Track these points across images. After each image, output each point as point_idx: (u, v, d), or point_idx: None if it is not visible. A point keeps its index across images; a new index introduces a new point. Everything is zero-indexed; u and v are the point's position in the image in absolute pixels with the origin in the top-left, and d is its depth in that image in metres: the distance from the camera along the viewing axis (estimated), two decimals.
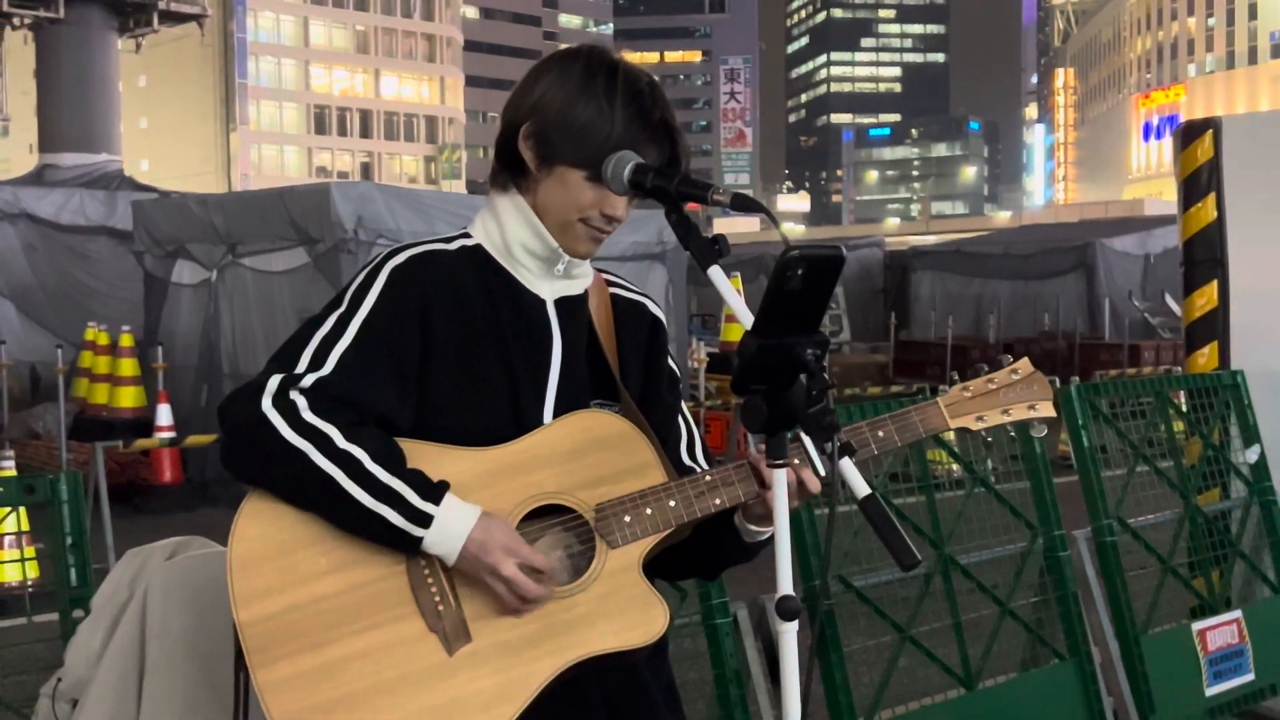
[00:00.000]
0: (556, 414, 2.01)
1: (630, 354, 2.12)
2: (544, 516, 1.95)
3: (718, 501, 1.96)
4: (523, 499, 1.93)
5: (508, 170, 2.04)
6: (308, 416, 1.85)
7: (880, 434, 2.06)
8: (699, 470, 2.11)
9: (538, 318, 2.04)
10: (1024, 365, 2.19)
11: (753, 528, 2.01)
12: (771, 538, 1.93)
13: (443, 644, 1.86)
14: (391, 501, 1.83)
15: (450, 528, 1.84)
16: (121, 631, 2.26)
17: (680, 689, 2.17)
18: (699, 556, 2.12)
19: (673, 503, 1.94)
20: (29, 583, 4.11)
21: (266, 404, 1.85)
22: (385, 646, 1.84)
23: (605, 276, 2.18)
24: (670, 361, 2.19)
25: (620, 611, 1.91)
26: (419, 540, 1.84)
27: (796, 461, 1.89)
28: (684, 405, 2.21)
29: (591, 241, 2.02)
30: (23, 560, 5.51)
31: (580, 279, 2.09)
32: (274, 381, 1.88)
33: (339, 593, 1.86)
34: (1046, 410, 2.18)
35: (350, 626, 1.84)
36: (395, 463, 1.87)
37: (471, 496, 1.89)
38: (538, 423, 1.99)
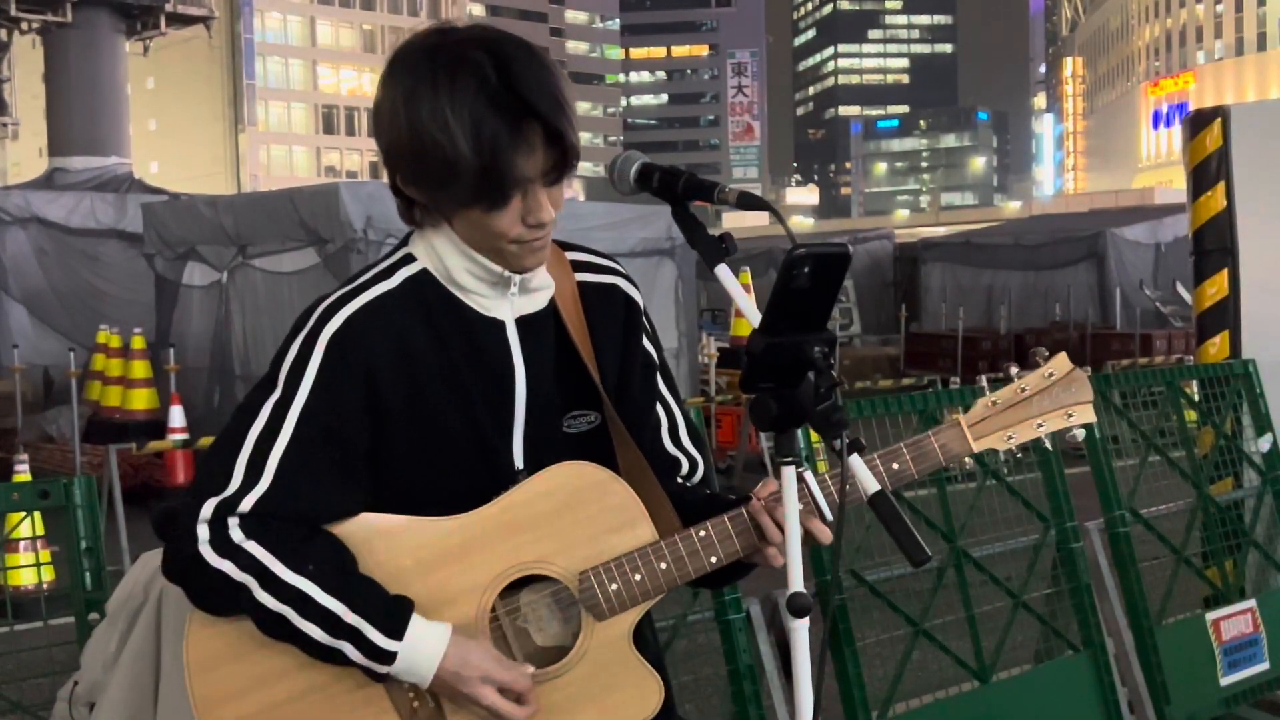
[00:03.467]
0: (526, 444, 1.86)
1: (607, 348, 1.93)
2: (528, 585, 1.81)
3: (713, 560, 1.82)
4: (499, 571, 1.78)
5: (415, 207, 1.82)
6: (248, 547, 1.71)
7: (895, 466, 1.89)
8: (683, 457, 2.02)
9: (496, 344, 1.85)
10: (1060, 363, 1.96)
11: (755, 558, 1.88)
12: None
13: None
14: (350, 638, 1.70)
15: (417, 663, 1.71)
16: (137, 634, 2.27)
17: (694, 685, 2.14)
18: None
19: (663, 565, 1.80)
20: (44, 586, 4.12)
21: (202, 537, 1.71)
22: None
23: (571, 257, 1.96)
24: (646, 343, 1.99)
25: (610, 690, 1.79)
26: (385, 675, 1.72)
27: (804, 506, 1.79)
28: (664, 388, 2.02)
29: (533, 254, 1.81)
30: (38, 564, 5.52)
31: (540, 291, 1.89)
32: (208, 510, 1.72)
33: (305, 693, 1.74)
34: (1086, 416, 1.94)
35: None
36: (348, 587, 1.72)
37: (445, 571, 1.76)
38: (508, 461, 1.85)
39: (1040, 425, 1.93)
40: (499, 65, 1.69)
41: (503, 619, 1.81)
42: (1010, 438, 1.91)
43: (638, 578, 1.80)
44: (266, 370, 1.82)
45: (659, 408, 2.01)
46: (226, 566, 1.70)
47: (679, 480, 2.03)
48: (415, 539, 1.78)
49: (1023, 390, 1.93)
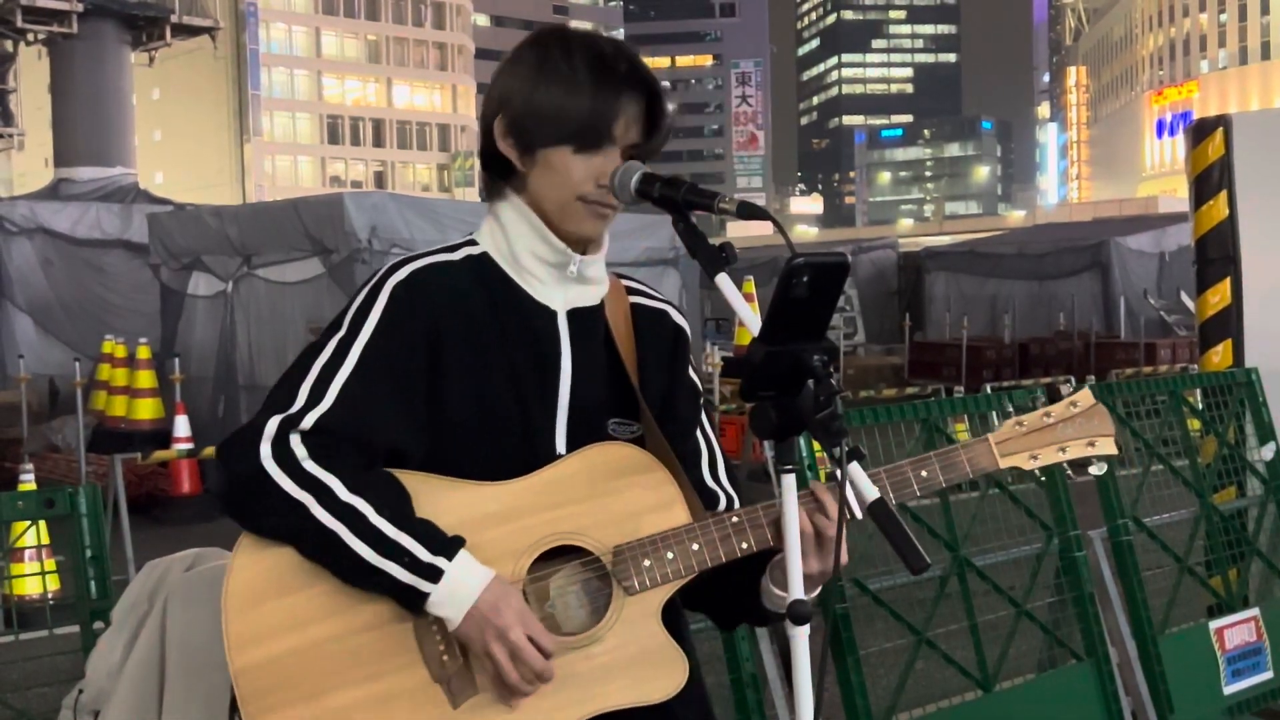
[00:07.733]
0: (570, 436, 1.91)
1: (651, 367, 2.00)
2: (559, 557, 1.84)
3: (744, 546, 1.85)
4: (537, 538, 1.82)
5: (497, 176, 1.96)
6: (308, 466, 1.75)
7: (924, 473, 1.94)
8: (721, 493, 2.05)
9: (546, 332, 1.93)
10: (1084, 397, 2.05)
11: (778, 593, 1.87)
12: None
13: (447, 696, 1.76)
14: (396, 556, 1.73)
15: (459, 588, 1.74)
16: (142, 643, 2.28)
17: None
18: (714, 603, 2.03)
19: (695, 546, 1.84)
20: (50, 595, 4.14)
21: (265, 452, 1.75)
22: (387, 697, 1.75)
23: (626, 283, 2.07)
24: (692, 373, 2.08)
25: (637, 664, 1.82)
26: (425, 597, 1.73)
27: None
28: (706, 422, 2.08)
29: (596, 218, 1.92)
30: (43, 573, 5.54)
31: (595, 285, 1.98)
32: (272, 426, 1.77)
33: (340, 637, 1.76)
34: (1107, 447, 2.02)
35: (350, 674, 1.75)
36: (402, 513, 1.76)
37: (484, 534, 1.79)
38: (550, 446, 1.90)
39: (1063, 450, 2.01)
40: (610, 45, 1.92)
41: (527, 589, 1.83)
42: (1034, 458, 2.00)
43: (670, 556, 1.84)
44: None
45: (700, 437, 2.07)
46: (286, 482, 1.74)
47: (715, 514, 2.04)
48: (460, 499, 1.82)
49: (1048, 416, 2.02)
